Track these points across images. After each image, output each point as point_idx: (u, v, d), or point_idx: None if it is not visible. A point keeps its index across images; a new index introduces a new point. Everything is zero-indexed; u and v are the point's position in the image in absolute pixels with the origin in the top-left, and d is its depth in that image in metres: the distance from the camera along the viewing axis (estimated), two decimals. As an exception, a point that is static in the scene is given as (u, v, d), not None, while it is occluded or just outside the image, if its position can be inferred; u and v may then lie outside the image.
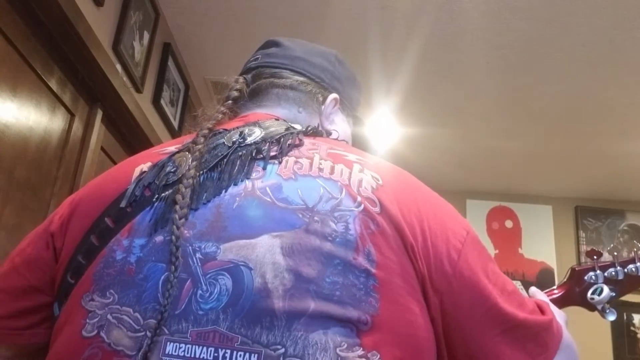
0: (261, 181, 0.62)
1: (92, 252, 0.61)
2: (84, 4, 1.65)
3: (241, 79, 0.82)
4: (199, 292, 0.55)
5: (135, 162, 0.68)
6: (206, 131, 0.69)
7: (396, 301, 0.57)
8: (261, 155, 0.65)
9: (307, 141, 0.69)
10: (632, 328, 3.48)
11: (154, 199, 0.62)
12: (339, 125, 0.84)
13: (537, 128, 2.97)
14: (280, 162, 0.64)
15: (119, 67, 1.93)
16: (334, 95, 0.83)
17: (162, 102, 2.39)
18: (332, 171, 0.63)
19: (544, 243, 3.66)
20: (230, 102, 0.79)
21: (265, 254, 0.56)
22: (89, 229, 0.63)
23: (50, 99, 1.62)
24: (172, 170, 0.64)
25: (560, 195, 3.75)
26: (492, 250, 3.68)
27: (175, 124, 2.60)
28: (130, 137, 2.16)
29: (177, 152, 0.67)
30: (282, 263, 0.56)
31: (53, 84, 1.61)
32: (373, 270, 0.57)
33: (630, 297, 3.64)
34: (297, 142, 0.68)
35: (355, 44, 2.39)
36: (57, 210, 0.69)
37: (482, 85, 2.64)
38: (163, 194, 0.62)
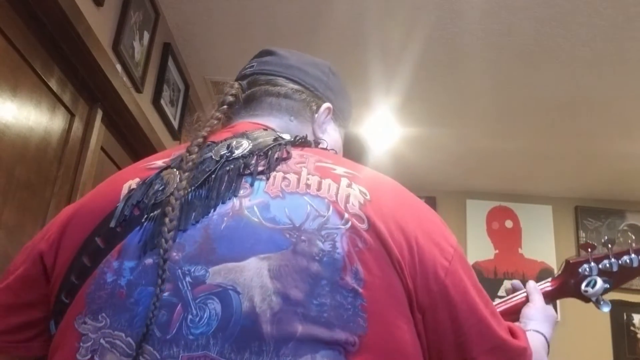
0: (249, 199, 0.61)
1: (84, 272, 0.61)
2: (84, 4, 1.65)
3: (236, 85, 0.82)
4: (189, 316, 0.55)
5: (124, 178, 0.68)
6: (201, 140, 0.69)
7: (384, 319, 0.57)
8: (248, 171, 0.64)
9: (295, 153, 0.69)
10: (632, 328, 3.48)
11: (143, 219, 0.62)
12: (331, 134, 0.84)
13: (538, 128, 2.97)
14: (267, 179, 0.63)
15: (119, 67, 1.93)
16: (327, 105, 0.83)
17: (162, 102, 2.39)
18: (319, 187, 0.63)
19: (544, 243, 3.66)
20: (225, 107, 0.78)
21: (252, 277, 0.56)
22: (79, 249, 0.63)
23: (50, 99, 1.62)
24: (160, 188, 0.64)
25: (560, 195, 3.76)
26: (492, 250, 3.68)
27: (175, 124, 2.60)
28: (130, 137, 2.16)
29: (165, 169, 0.67)
30: (270, 286, 0.56)
31: (53, 84, 1.61)
32: (360, 290, 0.57)
33: (630, 297, 3.64)
34: (285, 155, 0.67)
35: (355, 43, 2.39)
36: (48, 227, 0.70)
37: (482, 85, 2.64)
38: (152, 214, 0.62)
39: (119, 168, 2.08)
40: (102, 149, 1.96)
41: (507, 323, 0.68)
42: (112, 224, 0.62)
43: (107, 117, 1.95)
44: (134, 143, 2.20)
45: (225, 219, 0.60)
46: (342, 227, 0.59)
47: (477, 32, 2.28)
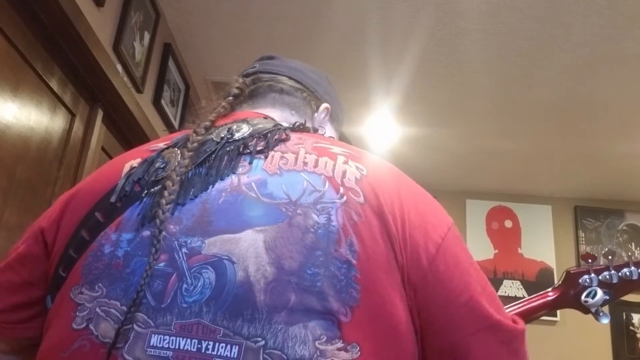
0: (247, 176, 0.63)
1: (82, 246, 0.62)
2: (85, 4, 1.65)
3: (241, 79, 0.84)
4: (184, 285, 0.56)
5: (125, 158, 0.70)
6: (208, 123, 0.71)
7: (377, 292, 0.57)
8: (248, 150, 0.66)
9: (294, 136, 0.70)
10: (631, 328, 3.48)
11: (143, 195, 0.63)
12: (329, 133, 0.86)
13: (537, 128, 2.98)
14: (266, 157, 0.65)
15: (119, 67, 1.93)
16: (326, 104, 0.86)
17: (162, 102, 2.40)
18: (316, 164, 0.64)
19: (544, 243, 3.66)
20: (231, 98, 0.81)
21: (248, 248, 0.57)
22: (79, 224, 0.64)
23: (51, 99, 1.62)
24: (161, 166, 0.65)
25: (559, 195, 3.76)
26: (491, 250, 3.68)
27: (176, 124, 2.60)
28: (130, 137, 2.16)
29: (166, 148, 0.69)
30: (265, 256, 0.57)
31: (54, 84, 1.61)
32: (354, 261, 0.57)
33: (630, 297, 3.65)
34: (284, 136, 0.69)
35: (355, 43, 2.40)
36: (51, 206, 0.71)
37: (482, 86, 2.65)
38: (152, 189, 0.63)
39: (120, 168, 2.08)
40: (103, 149, 1.97)
41: (506, 311, 0.66)
42: (113, 199, 0.63)
43: (107, 117, 1.95)
44: (134, 143, 2.20)
45: (223, 194, 0.61)
46: (338, 201, 0.61)
47: (477, 32, 2.28)
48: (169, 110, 2.50)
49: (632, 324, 3.49)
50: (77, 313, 0.57)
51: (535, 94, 2.67)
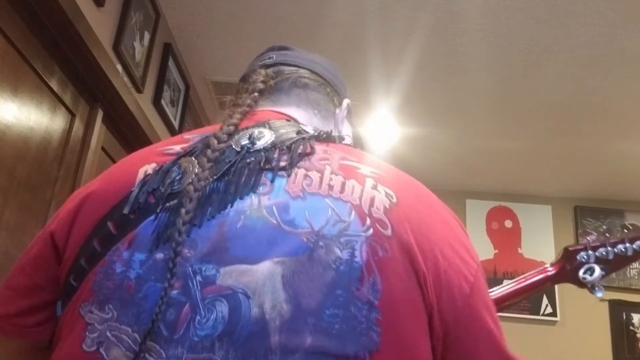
0: (268, 198, 0.59)
1: (94, 257, 0.60)
2: (85, 4, 1.65)
3: (263, 72, 0.79)
4: (197, 317, 0.54)
5: (140, 161, 0.66)
6: (232, 127, 0.67)
7: (399, 335, 0.55)
8: (269, 166, 0.62)
9: (319, 148, 0.66)
10: (631, 328, 3.48)
11: (158, 209, 0.60)
12: (346, 131, 0.84)
13: (537, 128, 2.98)
14: (289, 175, 0.61)
15: (119, 67, 1.93)
16: (348, 101, 0.83)
17: (162, 102, 2.40)
18: (342, 189, 0.60)
19: (544, 243, 3.66)
20: (256, 94, 0.75)
21: (265, 281, 0.54)
22: (91, 232, 0.62)
23: (51, 99, 1.62)
24: (177, 177, 0.62)
25: (559, 195, 3.76)
26: (491, 250, 3.68)
27: (176, 124, 2.60)
28: (130, 137, 2.16)
29: (183, 156, 0.65)
30: (282, 293, 0.54)
31: (54, 84, 1.61)
32: (376, 302, 0.54)
33: (629, 297, 3.64)
34: (309, 150, 0.64)
35: (355, 44, 2.40)
36: (62, 208, 0.69)
37: (482, 86, 2.65)
38: (168, 204, 0.60)
39: (120, 168, 2.08)
40: (103, 149, 1.97)
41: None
42: (126, 210, 0.60)
43: (107, 117, 1.95)
44: (134, 143, 2.20)
45: (242, 216, 0.58)
46: (363, 234, 0.57)
47: (477, 32, 2.28)
48: (169, 110, 2.50)
49: (632, 324, 3.49)
50: (88, 334, 0.56)
51: (535, 94, 2.67)
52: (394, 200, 0.60)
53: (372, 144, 3.16)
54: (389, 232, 0.57)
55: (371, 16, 2.24)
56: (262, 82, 0.77)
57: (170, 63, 2.47)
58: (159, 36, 2.33)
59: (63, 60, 1.65)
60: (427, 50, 2.41)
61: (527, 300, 3.26)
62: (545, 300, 3.51)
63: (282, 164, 0.62)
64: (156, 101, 2.36)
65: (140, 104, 2.12)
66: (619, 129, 2.90)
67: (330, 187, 0.60)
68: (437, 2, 2.14)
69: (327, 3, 2.20)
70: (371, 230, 0.57)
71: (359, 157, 0.67)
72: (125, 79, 1.98)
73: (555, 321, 3.48)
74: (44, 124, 1.60)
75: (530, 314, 3.47)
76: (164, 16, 2.37)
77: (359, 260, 0.55)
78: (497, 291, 1.03)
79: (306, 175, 0.61)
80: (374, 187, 0.61)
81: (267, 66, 0.80)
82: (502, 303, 1.03)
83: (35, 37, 1.51)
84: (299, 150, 0.64)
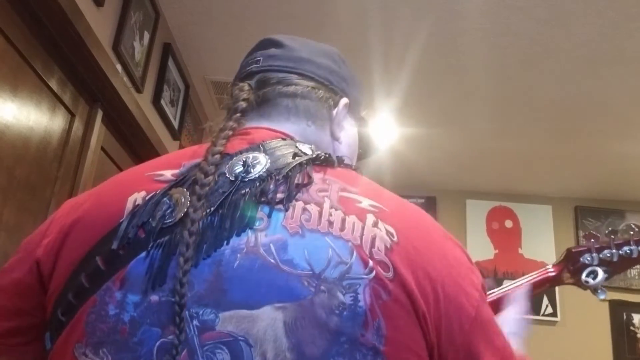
0: (265, 234, 0.57)
1: (82, 293, 0.58)
2: (84, 4, 1.65)
3: (246, 87, 0.74)
4: None
5: (129, 189, 0.63)
6: (218, 157, 0.63)
7: None
8: (265, 199, 0.59)
9: (318, 177, 0.63)
10: (632, 328, 3.48)
11: (149, 246, 0.57)
12: (348, 130, 0.79)
13: (537, 128, 2.98)
14: (286, 210, 0.58)
15: (119, 67, 1.93)
16: (345, 100, 0.77)
17: (162, 102, 2.39)
18: (342, 226, 0.58)
19: (544, 243, 3.66)
20: (239, 114, 0.71)
21: (266, 329, 0.53)
22: (78, 266, 0.59)
23: (50, 99, 1.62)
24: (167, 210, 0.59)
25: (560, 195, 3.76)
26: (492, 250, 3.68)
27: (176, 124, 2.60)
28: (130, 137, 2.16)
29: (174, 186, 0.61)
30: (285, 341, 0.52)
31: (53, 84, 1.61)
32: (382, 348, 0.53)
33: (630, 297, 3.64)
34: (306, 180, 0.61)
35: (356, 44, 2.39)
36: (46, 229, 0.66)
37: (482, 86, 2.65)
38: (159, 240, 0.57)
39: (119, 168, 2.08)
40: (103, 149, 1.96)
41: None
42: (114, 246, 0.57)
43: (107, 117, 1.95)
44: (134, 143, 2.20)
45: (238, 255, 0.56)
46: (366, 277, 0.55)
47: (477, 32, 2.28)
48: (168, 110, 2.49)
49: (632, 324, 3.48)
50: None
51: (535, 94, 2.67)
52: (395, 239, 0.58)
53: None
54: (390, 274, 0.56)
55: (372, 15, 2.24)
56: (245, 99, 0.73)
57: (170, 63, 2.47)
58: (159, 36, 2.33)
59: (63, 60, 1.65)
60: (427, 50, 2.41)
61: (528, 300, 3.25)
62: (545, 301, 3.51)
63: (280, 195, 0.59)
64: (156, 101, 2.36)
65: (140, 103, 2.12)
66: (619, 129, 2.90)
67: (330, 223, 0.58)
68: (437, 3, 2.14)
69: (328, 3, 2.20)
70: (374, 273, 0.55)
71: (359, 186, 0.64)
72: (125, 78, 1.98)
73: (556, 321, 3.48)
74: (44, 123, 1.59)
75: (531, 314, 3.47)
76: (164, 16, 2.37)
77: (362, 305, 0.54)
78: (496, 293, 1.01)
79: (304, 209, 0.59)
80: (375, 225, 0.59)
81: (252, 74, 0.76)
82: (502, 304, 1.02)
83: (35, 37, 1.50)
84: (297, 181, 0.61)
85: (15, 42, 1.41)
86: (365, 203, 0.61)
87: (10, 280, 0.65)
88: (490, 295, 0.96)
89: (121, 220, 0.59)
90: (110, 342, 0.55)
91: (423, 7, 2.17)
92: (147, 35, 2.19)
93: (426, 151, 3.29)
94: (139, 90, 2.15)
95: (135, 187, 0.63)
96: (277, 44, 0.78)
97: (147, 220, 0.59)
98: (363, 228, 0.58)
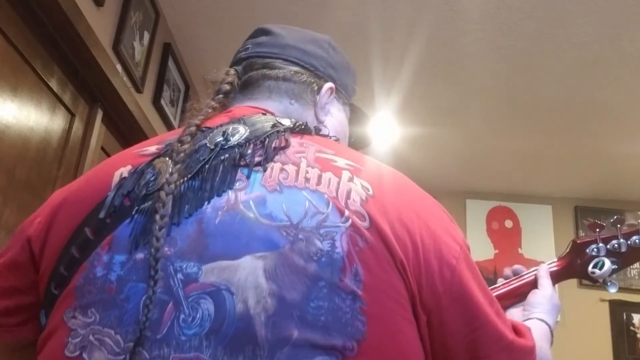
0: (244, 193, 0.59)
1: (73, 264, 0.59)
2: (84, 4, 1.65)
3: (232, 71, 0.78)
4: (182, 316, 0.53)
5: (115, 164, 0.65)
6: (194, 128, 0.66)
7: (385, 323, 0.55)
8: (244, 162, 0.61)
9: (295, 141, 0.65)
10: (632, 328, 3.48)
11: (134, 211, 0.59)
12: (335, 115, 0.80)
13: (537, 128, 2.98)
14: (265, 170, 0.60)
15: (119, 67, 1.93)
16: (329, 85, 0.78)
17: (162, 102, 2.40)
18: (319, 181, 0.60)
19: (544, 243, 3.66)
20: (221, 96, 0.75)
21: (247, 277, 0.54)
22: (69, 240, 0.61)
23: (50, 99, 1.62)
24: (151, 178, 0.61)
25: (560, 195, 3.76)
26: (492, 250, 3.68)
27: (176, 124, 2.60)
28: (130, 137, 2.16)
29: (157, 157, 0.64)
30: (265, 287, 0.53)
31: (53, 84, 1.61)
32: (360, 292, 0.54)
33: (630, 297, 3.64)
34: (284, 143, 0.64)
35: (356, 44, 2.40)
36: (38, 212, 0.67)
37: (482, 86, 2.65)
38: (143, 205, 0.59)
39: (119, 168, 2.08)
40: (102, 149, 1.96)
41: (511, 321, 0.66)
42: (102, 215, 0.60)
43: (107, 117, 1.95)
44: (134, 143, 2.17)
45: (219, 212, 0.57)
46: (342, 225, 0.57)
47: (477, 32, 2.28)
48: (168, 110, 2.49)
49: (632, 324, 3.49)
50: (70, 339, 0.55)
51: (535, 94, 2.67)
52: (370, 192, 0.60)
53: (372, 144, 3.15)
54: (366, 223, 0.57)
55: (372, 15, 2.24)
56: (229, 82, 0.76)
57: (170, 63, 2.47)
58: (159, 36, 2.33)
59: (63, 60, 1.65)
60: (427, 50, 2.41)
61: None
62: (545, 301, 3.51)
63: (257, 159, 0.62)
64: (156, 101, 2.36)
65: (140, 103, 2.12)
66: (619, 129, 2.90)
67: (307, 179, 0.60)
68: (437, 3, 2.14)
69: (328, 3, 2.20)
70: (350, 222, 0.57)
71: (335, 149, 0.67)
72: (125, 78, 1.98)
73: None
74: (44, 123, 1.59)
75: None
76: (164, 16, 2.37)
77: (339, 251, 0.55)
78: (495, 293, 0.98)
79: (282, 169, 0.61)
80: (350, 180, 0.61)
81: (241, 60, 0.80)
82: (501, 302, 0.99)
83: (35, 37, 1.50)
84: (274, 145, 0.63)
85: (16, 42, 1.41)
86: (341, 162, 0.63)
87: (3, 261, 0.66)
88: (494, 290, 0.92)
89: (109, 193, 0.61)
90: (98, 302, 0.56)
91: (423, 7, 2.17)
92: (147, 35, 2.19)
93: (426, 151, 3.29)
94: (139, 90, 2.15)
95: (121, 163, 0.65)
96: (267, 32, 0.81)
97: (132, 189, 0.61)
98: (339, 182, 0.60)
